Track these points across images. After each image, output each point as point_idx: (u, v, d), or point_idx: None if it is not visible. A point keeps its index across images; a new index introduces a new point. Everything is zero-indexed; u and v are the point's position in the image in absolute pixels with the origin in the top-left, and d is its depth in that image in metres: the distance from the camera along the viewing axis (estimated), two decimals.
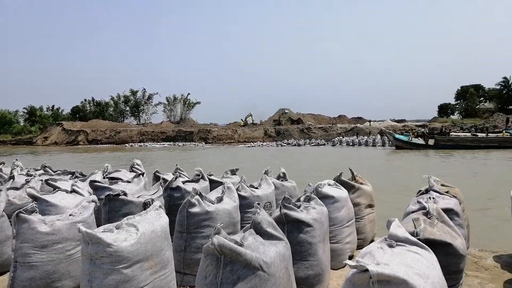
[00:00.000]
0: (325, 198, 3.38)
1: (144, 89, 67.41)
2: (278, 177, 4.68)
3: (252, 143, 42.81)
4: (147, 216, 2.52)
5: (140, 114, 68.38)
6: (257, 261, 1.92)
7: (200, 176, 4.36)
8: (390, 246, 1.91)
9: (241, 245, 1.96)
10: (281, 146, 39.30)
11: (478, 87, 73.47)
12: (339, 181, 3.88)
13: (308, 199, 3.11)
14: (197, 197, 3.00)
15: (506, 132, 28.82)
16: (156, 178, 4.68)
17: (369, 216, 4.00)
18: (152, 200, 3.31)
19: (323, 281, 2.79)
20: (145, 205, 3.32)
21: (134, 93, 67.31)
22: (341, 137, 40.96)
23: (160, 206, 2.68)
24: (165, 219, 2.58)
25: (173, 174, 4.23)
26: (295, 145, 39.35)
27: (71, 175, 4.91)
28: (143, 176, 4.54)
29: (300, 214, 2.77)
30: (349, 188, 3.90)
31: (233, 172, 5.04)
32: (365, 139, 36.79)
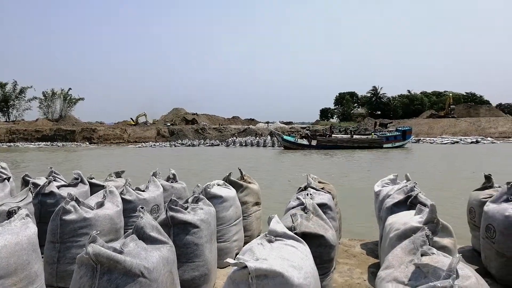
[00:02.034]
0: (213, 198, 3.42)
1: (15, 82, 59.18)
2: (168, 179, 4.57)
3: (143, 144, 40.96)
4: (10, 227, 2.21)
5: (10, 110, 59.76)
6: (137, 267, 1.84)
7: (79, 180, 4.00)
8: (270, 241, 2.03)
9: (120, 252, 1.85)
10: (175, 146, 38.50)
11: (352, 94, 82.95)
12: (228, 181, 3.96)
13: (196, 200, 3.10)
14: (73, 203, 2.75)
15: (374, 134, 33.08)
16: (26, 183, 4.14)
17: (256, 214, 4.18)
18: (19, 207, 2.92)
19: (209, 280, 2.81)
20: (10, 214, 2.92)
21: (2, 86, 58.48)
22: (234, 138, 41.97)
23: (27, 215, 2.38)
24: (33, 229, 2.29)
25: (47, 178, 3.80)
26: (189, 145, 38.97)
27: None
28: (8, 181, 3.97)
29: (187, 215, 2.75)
30: (238, 187, 4.02)
31: (118, 174, 4.75)
32: (256, 140, 38.35)
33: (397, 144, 31.51)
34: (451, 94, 63.12)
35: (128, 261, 1.81)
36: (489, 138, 38.60)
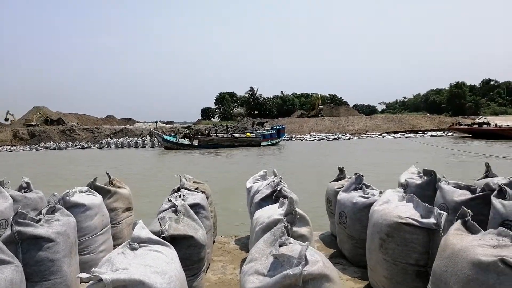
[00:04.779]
0: (74, 207, 3.11)
1: None
2: (20, 188, 3.97)
3: None
4: None
5: None
6: None
7: None
8: (133, 249, 1.92)
9: None
10: (36, 150, 33.94)
11: (232, 94, 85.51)
12: (93, 186, 3.65)
13: (52, 211, 2.76)
14: None
15: (251, 133, 34.68)
16: None
17: (126, 220, 3.94)
18: None
19: None
20: None
21: None
22: (109, 139, 39.09)
23: None
24: None
25: None
26: (54, 148, 34.77)
27: None
28: None
29: (39, 229, 2.43)
30: (105, 193, 3.73)
31: None
32: (134, 141, 36.45)
33: (272, 141, 33.61)
34: (319, 96, 70.35)
35: None
36: (348, 135, 44.14)
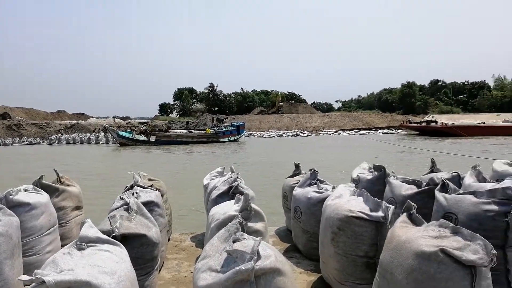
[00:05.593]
0: (18, 207, 2.92)
1: None
2: None
3: None
4: None
5: None
6: None
7: None
8: (80, 249, 1.84)
9: None
10: None
11: (191, 90, 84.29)
12: (39, 184, 3.45)
13: None
14: None
15: (211, 129, 34.41)
16: None
17: (76, 219, 3.77)
18: None
19: None
20: None
21: None
22: (60, 135, 37.17)
23: None
24: None
25: None
26: None
27: None
28: None
29: None
30: (52, 191, 3.55)
31: None
32: (87, 137, 34.93)
33: (232, 138, 33.58)
34: (280, 93, 71.17)
35: None
36: (306, 132, 45.09)
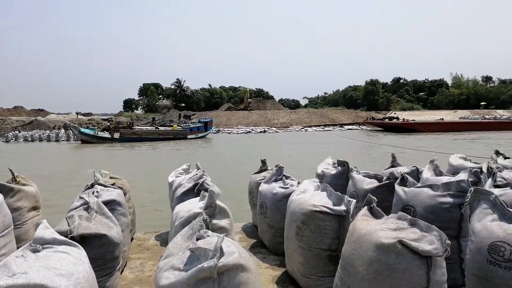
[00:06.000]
0: None
1: None
2: None
3: None
4: None
5: None
6: None
7: None
8: (35, 251, 1.76)
9: None
10: None
11: (157, 86, 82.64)
12: None
13: None
14: None
15: (178, 126, 33.88)
16: None
17: (33, 220, 3.59)
18: None
19: None
20: None
21: None
22: (17, 132, 35.33)
23: None
24: None
25: None
26: None
27: None
28: None
29: None
30: (7, 191, 3.35)
31: None
32: (47, 134, 33.42)
33: (200, 134, 33.23)
34: (248, 89, 71.13)
35: None
36: (273, 128, 45.41)
